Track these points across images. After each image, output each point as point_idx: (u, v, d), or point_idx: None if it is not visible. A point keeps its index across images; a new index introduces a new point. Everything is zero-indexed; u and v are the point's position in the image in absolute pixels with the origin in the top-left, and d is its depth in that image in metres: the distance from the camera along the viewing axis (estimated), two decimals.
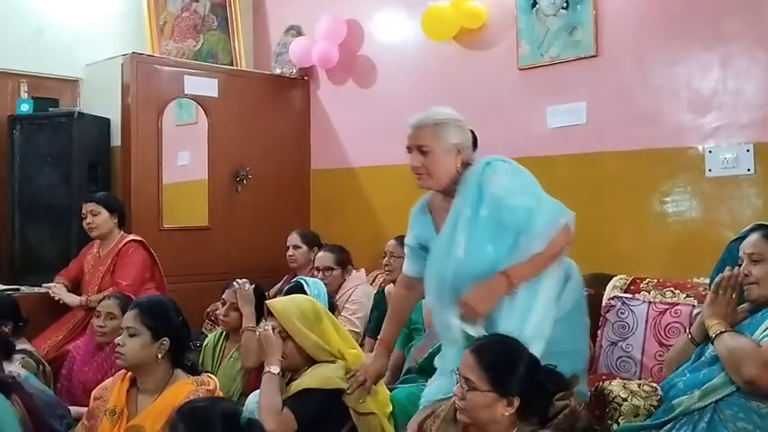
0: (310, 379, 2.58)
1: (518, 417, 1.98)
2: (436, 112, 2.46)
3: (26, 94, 4.70)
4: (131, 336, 2.39)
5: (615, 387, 2.51)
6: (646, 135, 3.50)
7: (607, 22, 3.63)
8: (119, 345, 2.40)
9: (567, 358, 2.29)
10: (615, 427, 2.41)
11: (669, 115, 3.45)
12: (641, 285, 3.16)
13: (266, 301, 2.81)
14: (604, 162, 3.65)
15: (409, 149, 2.46)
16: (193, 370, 2.51)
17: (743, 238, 2.44)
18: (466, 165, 2.44)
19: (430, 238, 2.53)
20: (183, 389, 2.37)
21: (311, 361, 2.66)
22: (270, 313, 2.71)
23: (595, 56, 3.66)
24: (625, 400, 2.44)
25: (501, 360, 2.01)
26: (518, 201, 2.32)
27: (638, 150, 3.53)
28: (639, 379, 2.75)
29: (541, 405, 2.00)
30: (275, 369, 2.57)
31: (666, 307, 2.94)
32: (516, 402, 1.96)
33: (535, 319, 2.30)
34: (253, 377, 3.13)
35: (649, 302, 3.00)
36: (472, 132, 2.52)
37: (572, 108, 3.74)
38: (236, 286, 3.27)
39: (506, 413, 1.96)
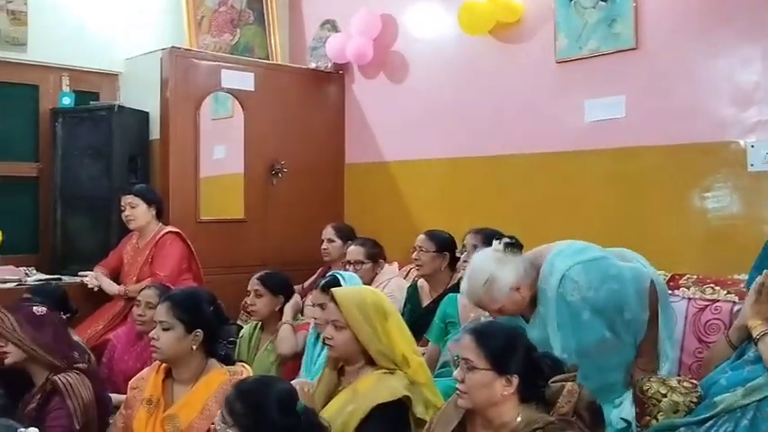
0: (376, 394, 2.34)
1: (520, 401, 1.96)
2: (476, 274, 2.54)
3: (68, 88, 4.79)
4: (165, 330, 2.41)
5: (654, 383, 2.47)
6: (686, 129, 3.44)
7: (647, 14, 3.57)
8: (153, 339, 2.43)
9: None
10: (654, 423, 2.38)
11: (710, 109, 3.39)
12: (681, 282, 3.10)
13: (332, 289, 2.60)
14: (643, 156, 3.59)
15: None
16: (227, 360, 2.53)
17: None
18: (531, 287, 2.55)
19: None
20: (217, 379, 2.40)
21: (367, 356, 2.45)
22: (332, 299, 2.52)
23: (635, 48, 3.60)
24: (664, 396, 2.41)
25: (498, 339, 2.00)
26: (604, 291, 2.49)
27: (678, 145, 3.47)
28: (678, 376, 2.72)
29: (539, 387, 1.99)
30: None
31: (706, 303, 2.88)
32: (515, 381, 1.94)
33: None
34: (288, 367, 3.15)
35: (689, 299, 2.95)
36: (512, 239, 2.58)
37: (610, 102, 3.69)
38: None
39: (505, 392, 1.94)
